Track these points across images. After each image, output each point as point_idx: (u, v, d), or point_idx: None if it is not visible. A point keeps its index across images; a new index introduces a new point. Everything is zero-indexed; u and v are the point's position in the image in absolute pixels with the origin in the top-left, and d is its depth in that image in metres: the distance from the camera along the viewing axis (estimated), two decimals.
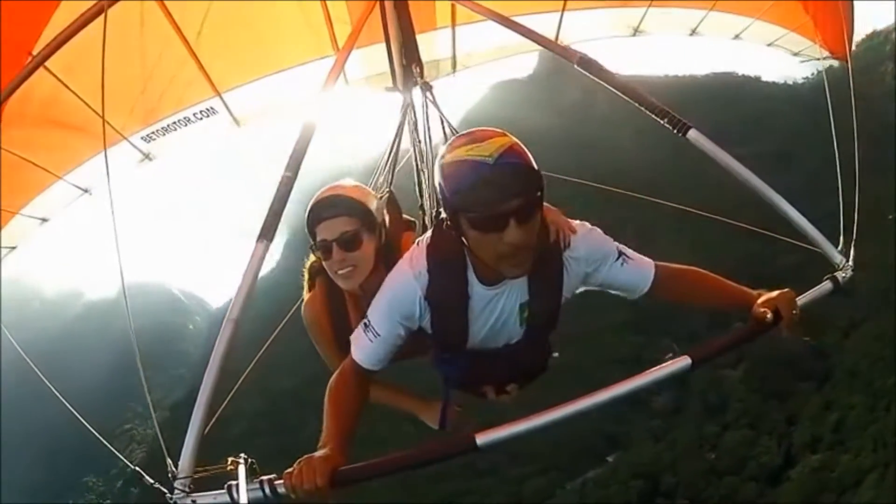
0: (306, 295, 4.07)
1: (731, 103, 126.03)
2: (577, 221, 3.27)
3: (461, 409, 4.14)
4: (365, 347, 3.14)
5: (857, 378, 68.98)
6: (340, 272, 3.62)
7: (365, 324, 3.16)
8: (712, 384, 76.07)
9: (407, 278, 3.11)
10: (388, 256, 3.58)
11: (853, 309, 72.17)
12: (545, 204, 3.01)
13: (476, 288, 3.11)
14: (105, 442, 4.71)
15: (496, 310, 3.20)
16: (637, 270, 3.31)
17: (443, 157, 2.82)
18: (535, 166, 2.74)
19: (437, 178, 2.84)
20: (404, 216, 4.47)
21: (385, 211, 3.99)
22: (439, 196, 2.87)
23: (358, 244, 3.57)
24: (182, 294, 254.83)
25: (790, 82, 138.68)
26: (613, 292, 3.45)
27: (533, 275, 3.09)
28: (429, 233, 3.24)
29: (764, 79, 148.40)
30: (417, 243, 3.24)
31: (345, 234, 3.56)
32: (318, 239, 3.62)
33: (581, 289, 3.40)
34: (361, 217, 3.60)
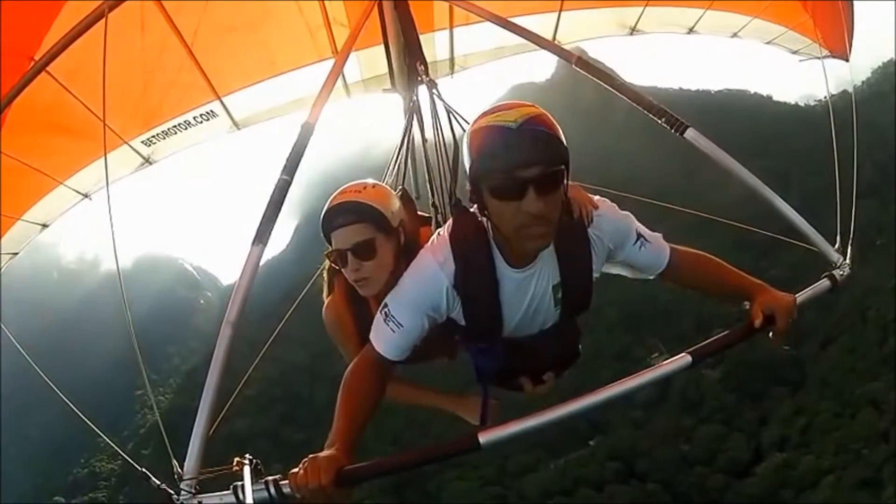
0: (326, 298, 3.96)
1: (741, 120, 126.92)
2: (598, 197, 3.29)
3: (498, 401, 4.04)
4: (386, 338, 3.06)
5: (827, 386, 72.69)
6: (357, 281, 3.50)
7: (385, 313, 3.08)
8: (692, 381, 78.77)
9: (433, 269, 3.06)
10: (407, 253, 3.44)
11: (833, 325, 76.45)
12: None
13: (505, 272, 3.08)
14: (104, 435, 4.75)
15: (528, 293, 3.17)
16: (654, 253, 3.36)
17: (471, 126, 2.84)
18: (562, 139, 2.74)
19: (464, 152, 2.84)
20: (420, 213, 4.43)
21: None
22: (466, 171, 2.87)
23: (373, 252, 3.41)
24: (194, 269, 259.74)
25: (802, 104, 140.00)
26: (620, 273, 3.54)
27: (562, 253, 3.12)
28: (449, 222, 3.21)
29: (776, 98, 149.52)
30: (438, 234, 3.20)
31: (359, 243, 3.40)
32: (334, 246, 3.49)
33: (606, 267, 3.43)
34: (376, 223, 3.43)
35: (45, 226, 6.40)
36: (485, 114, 2.79)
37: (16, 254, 6.40)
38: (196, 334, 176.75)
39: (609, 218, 3.24)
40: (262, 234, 3.39)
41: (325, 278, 3.99)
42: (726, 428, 75.69)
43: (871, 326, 74.01)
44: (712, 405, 77.48)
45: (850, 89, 6.38)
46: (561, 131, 2.75)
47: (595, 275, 3.30)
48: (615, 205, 3.32)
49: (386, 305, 3.11)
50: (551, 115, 2.78)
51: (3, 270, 6.39)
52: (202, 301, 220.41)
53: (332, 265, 3.72)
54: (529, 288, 3.16)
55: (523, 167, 2.65)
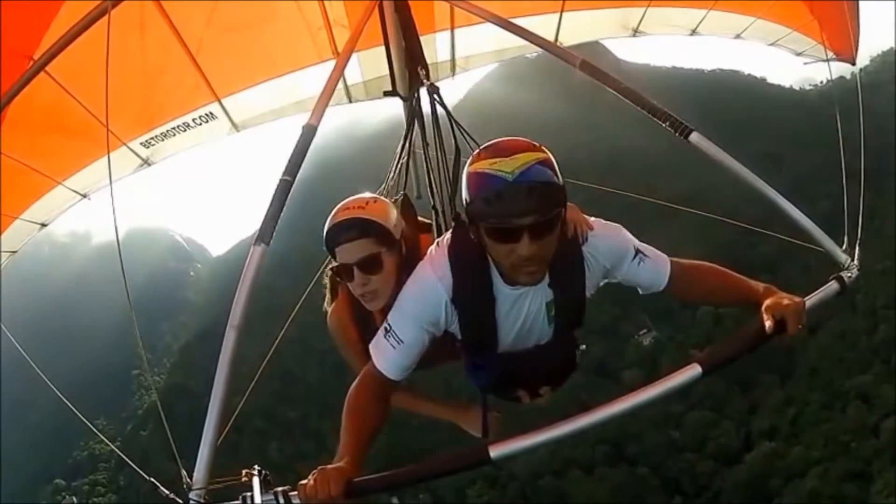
0: (328, 305, 4.01)
1: (733, 101, 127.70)
2: (594, 218, 3.27)
3: (500, 414, 4.08)
4: (387, 355, 3.07)
5: (817, 376, 74.45)
6: (363, 295, 3.53)
7: (386, 328, 3.09)
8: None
9: (432, 282, 3.08)
10: (408, 262, 3.46)
11: (822, 309, 75.88)
12: None
13: (501, 288, 3.10)
14: (95, 429, 4.71)
15: (523, 310, 3.20)
16: (653, 269, 3.32)
17: (470, 164, 2.86)
18: (559, 182, 2.77)
19: (463, 187, 2.87)
20: (420, 218, 4.42)
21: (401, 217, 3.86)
22: (464, 202, 2.90)
23: (379, 266, 3.45)
24: (183, 240, 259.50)
25: (797, 87, 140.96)
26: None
27: (555, 273, 3.11)
28: (448, 234, 3.22)
29: (770, 80, 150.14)
30: (437, 245, 3.21)
31: (365, 258, 3.43)
32: (339, 261, 3.51)
33: (603, 283, 3.41)
34: (381, 237, 3.47)
35: (43, 225, 6.38)
36: (484, 156, 2.82)
37: (14, 252, 6.37)
38: (186, 307, 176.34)
39: (604, 238, 3.24)
40: (265, 235, 3.37)
41: (328, 285, 4.03)
42: (716, 415, 77.27)
43: (860, 312, 75.36)
44: (701, 391, 77.84)
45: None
46: (558, 171, 2.79)
47: (589, 292, 3.31)
48: (617, 225, 3.31)
49: (387, 321, 3.12)
50: (551, 153, 2.82)
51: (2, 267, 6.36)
52: (192, 273, 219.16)
53: (337, 279, 3.75)
54: (524, 305, 3.19)
55: (518, 217, 2.70)
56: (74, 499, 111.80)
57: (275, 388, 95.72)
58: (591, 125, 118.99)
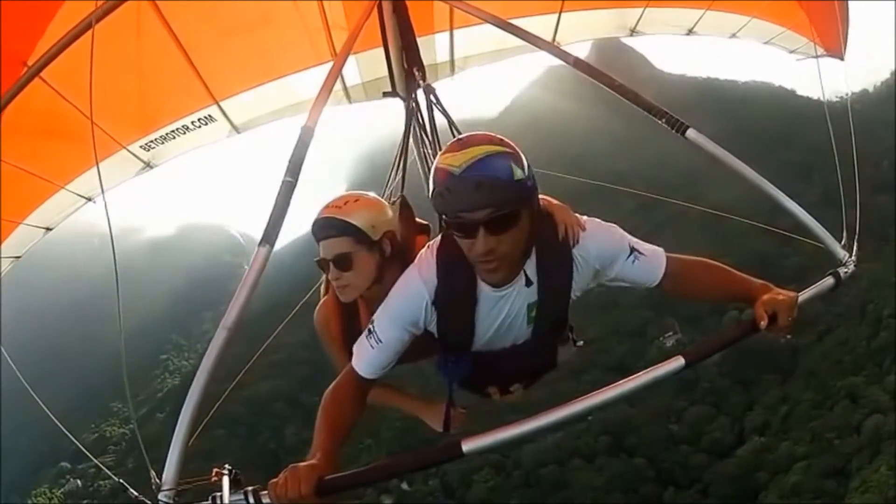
0: (322, 298, 4.16)
1: (767, 111, 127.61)
2: (586, 217, 3.22)
3: (466, 410, 4.08)
4: (366, 356, 3.09)
5: (814, 376, 76.40)
6: (337, 287, 3.74)
7: (370, 329, 3.11)
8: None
9: (417, 284, 3.09)
10: (401, 262, 3.52)
11: (835, 316, 79.32)
12: (552, 200, 3.11)
13: (484, 290, 3.08)
14: (75, 440, 4.71)
15: (503, 311, 3.17)
16: (648, 266, 3.23)
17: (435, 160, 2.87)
18: (515, 176, 2.70)
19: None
20: (419, 220, 4.41)
21: (398, 218, 3.97)
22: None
23: (349, 265, 3.62)
24: (240, 235, 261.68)
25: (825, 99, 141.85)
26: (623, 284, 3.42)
27: (542, 273, 3.09)
28: (437, 238, 3.21)
29: (799, 93, 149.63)
30: (428, 247, 3.21)
31: (338, 256, 3.63)
32: (320, 256, 3.71)
33: (593, 284, 3.35)
34: (356, 238, 3.62)
35: (48, 229, 6.40)
36: (443, 151, 2.83)
37: (18, 257, 6.41)
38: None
39: (596, 239, 3.17)
40: (269, 236, 3.44)
41: (324, 279, 4.17)
42: (715, 410, 79.50)
43: (868, 320, 76.51)
44: (705, 388, 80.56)
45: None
46: (518, 168, 2.72)
47: (574, 294, 3.26)
48: (611, 225, 3.25)
49: (372, 321, 3.15)
50: (515, 145, 2.79)
51: (5, 270, 6.39)
52: (245, 266, 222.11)
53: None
54: (505, 306, 3.16)
55: (469, 211, 2.70)
56: (79, 482, 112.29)
57: (303, 373, 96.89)
58: (637, 137, 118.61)
